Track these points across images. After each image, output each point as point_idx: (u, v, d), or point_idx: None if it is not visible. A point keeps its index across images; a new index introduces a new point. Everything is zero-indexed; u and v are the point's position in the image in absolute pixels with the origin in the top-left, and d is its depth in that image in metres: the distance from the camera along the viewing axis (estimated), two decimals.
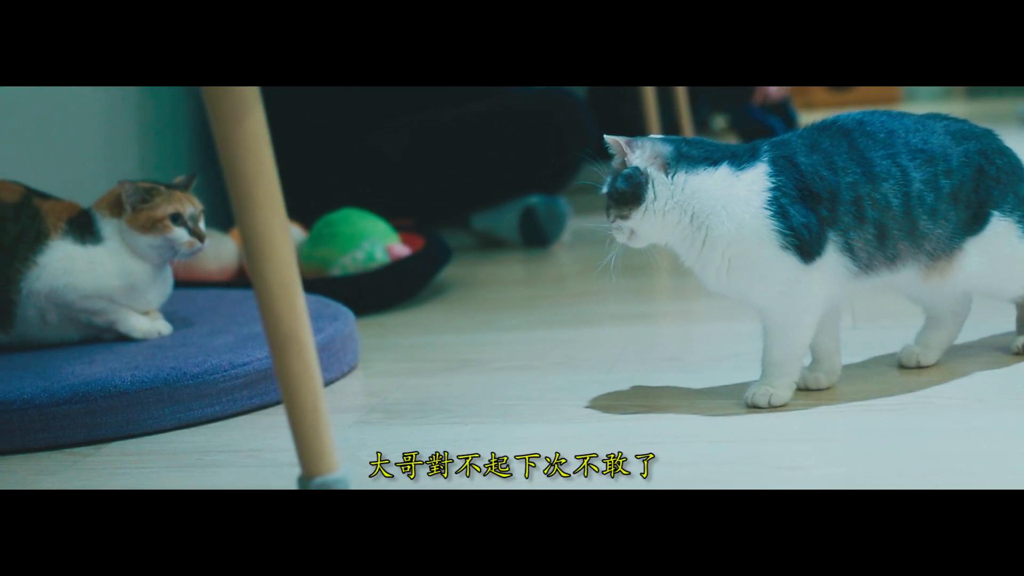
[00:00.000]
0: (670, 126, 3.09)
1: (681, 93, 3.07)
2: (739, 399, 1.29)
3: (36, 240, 1.51)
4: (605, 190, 1.29)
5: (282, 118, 2.23)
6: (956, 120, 1.31)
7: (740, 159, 1.26)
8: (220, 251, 2.05)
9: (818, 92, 6.72)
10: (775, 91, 3.29)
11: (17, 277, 1.50)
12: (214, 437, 1.35)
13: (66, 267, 1.51)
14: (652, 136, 1.31)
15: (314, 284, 1.89)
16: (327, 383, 1.50)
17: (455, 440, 1.26)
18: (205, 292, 1.84)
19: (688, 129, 3.10)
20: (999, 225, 1.28)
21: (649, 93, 2.94)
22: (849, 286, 1.27)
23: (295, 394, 1.01)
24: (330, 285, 1.92)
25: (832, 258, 1.24)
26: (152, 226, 1.51)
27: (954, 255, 1.28)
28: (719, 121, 4.53)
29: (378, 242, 2.04)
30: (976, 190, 1.27)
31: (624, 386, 1.40)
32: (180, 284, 1.68)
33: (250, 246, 1.00)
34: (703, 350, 1.58)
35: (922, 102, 6.85)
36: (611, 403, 1.34)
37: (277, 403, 1.43)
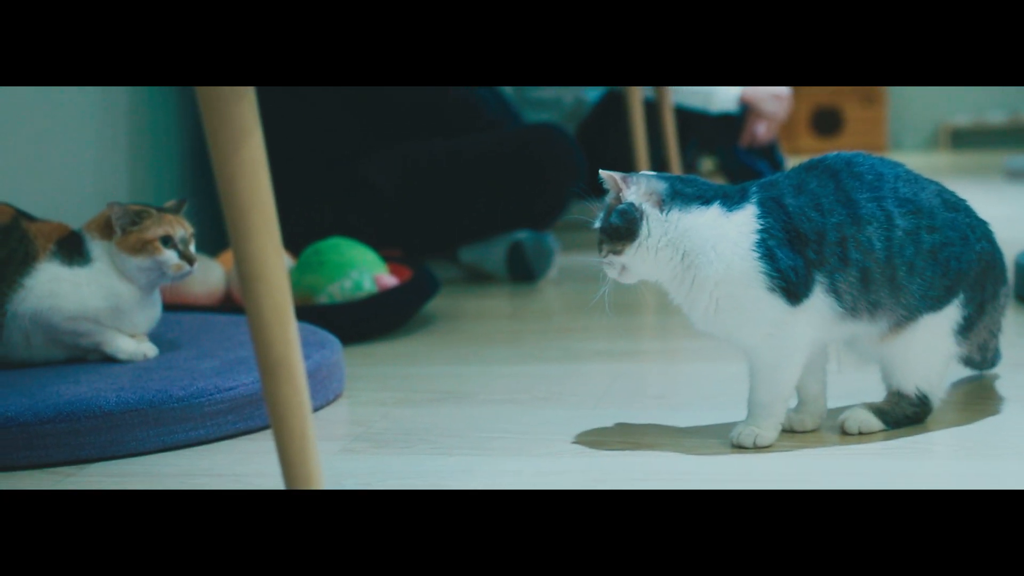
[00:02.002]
0: (659, 167, 3.11)
1: (670, 134, 3.09)
2: (724, 439, 1.29)
3: (24, 262, 1.50)
4: (598, 225, 1.29)
5: (277, 146, 2.26)
6: (954, 193, 1.30)
7: (731, 199, 1.26)
8: (208, 275, 2.05)
9: (805, 137, 6.79)
10: (762, 134, 3.32)
11: (3, 300, 1.49)
12: (198, 461, 1.34)
13: (51, 289, 1.50)
14: (646, 172, 1.31)
15: (301, 312, 1.88)
16: (312, 410, 1.50)
17: (440, 471, 1.26)
18: (192, 316, 1.84)
19: (677, 170, 3.12)
20: (953, 308, 1.27)
21: (639, 132, 2.96)
22: (835, 329, 1.27)
23: (283, 419, 1.01)
24: (317, 313, 1.92)
25: (819, 300, 1.24)
26: (142, 248, 1.51)
27: (911, 322, 1.27)
28: (707, 163, 4.56)
29: (366, 272, 2.04)
30: (959, 259, 1.26)
31: (610, 423, 1.40)
32: (167, 308, 1.68)
33: (244, 270, 1.00)
34: (689, 389, 1.58)
35: (907, 152, 6.91)
36: (596, 439, 1.34)
37: (262, 428, 1.42)
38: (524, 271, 2.58)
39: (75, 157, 2.25)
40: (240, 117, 0.98)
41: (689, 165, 3.54)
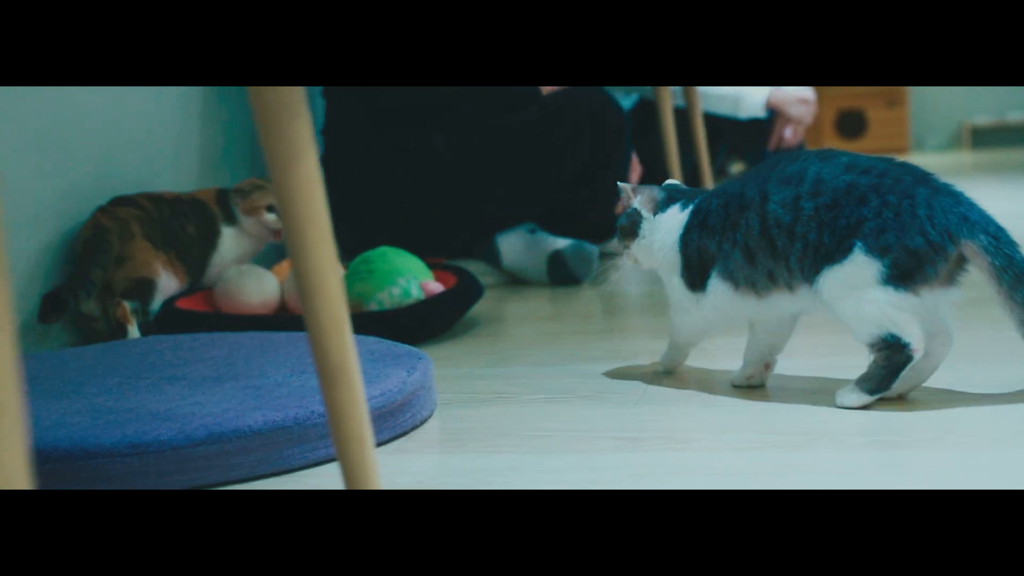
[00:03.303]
0: (690, 171, 3.17)
1: (701, 139, 3.15)
2: (763, 433, 1.35)
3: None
4: (618, 223, 1.63)
5: (353, 109, 2.52)
6: (876, 159, 1.41)
7: (686, 201, 1.57)
8: (263, 286, 2.13)
9: (830, 140, 6.82)
10: (789, 137, 3.37)
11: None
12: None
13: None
14: (665, 184, 1.64)
15: (351, 319, 1.94)
16: (423, 421, 1.54)
17: (489, 468, 1.32)
18: (247, 336, 1.82)
19: (707, 174, 3.18)
20: (859, 259, 1.36)
21: (671, 139, 3.02)
22: (750, 307, 1.49)
23: (342, 422, 1.06)
24: (367, 319, 1.99)
25: (716, 287, 1.50)
26: (252, 211, 2.29)
27: (820, 278, 1.40)
28: (737, 167, 4.60)
29: (413, 279, 2.11)
30: (848, 217, 1.37)
31: (650, 420, 1.47)
32: (226, 319, 1.74)
33: (302, 283, 1.06)
34: (726, 386, 1.63)
35: (929, 152, 6.92)
36: (638, 435, 1.40)
37: (389, 440, 1.47)
38: (566, 280, 2.65)
39: (155, 147, 2.50)
40: (296, 136, 1.03)
41: (720, 169, 3.59)
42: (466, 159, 2.67)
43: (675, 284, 1.57)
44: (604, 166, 2.71)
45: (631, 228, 1.60)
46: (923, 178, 1.38)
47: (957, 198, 1.37)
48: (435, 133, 2.68)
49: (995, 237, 1.34)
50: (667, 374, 1.70)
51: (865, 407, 1.42)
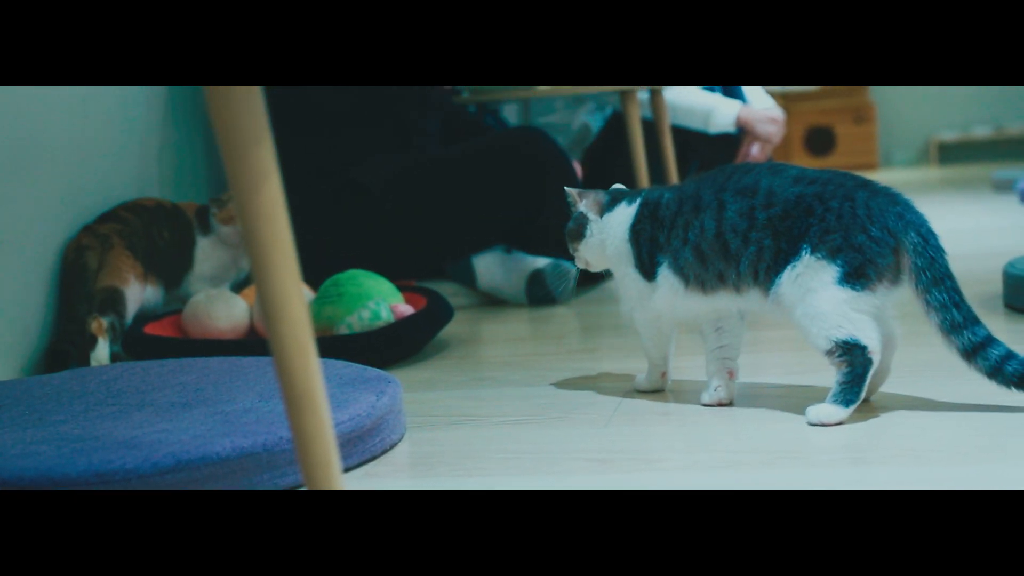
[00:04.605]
0: (661, 184, 3.17)
1: (668, 151, 3.16)
2: (734, 452, 1.35)
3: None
4: (566, 228, 1.69)
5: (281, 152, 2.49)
6: (822, 171, 1.47)
7: (632, 198, 1.62)
8: (232, 310, 2.12)
9: (799, 157, 6.87)
10: (757, 155, 3.39)
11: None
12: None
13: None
14: (610, 188, 1.68)
15: (322, 342, 1.95)
16: (392, 445, 1.53)
17: None
18: (216, 361, 1.81)
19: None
20: (808, 260, 1.42)
21: (639, 151, 3.03)
22: (692, 301, 1.54)
23: (309, 448, 1.06)
24: (337, 343, 1.99)
25: (667, 278, 1.55)
26: (228, 220, 2.36)
27: (776, 284, 1.45)
28: None
29: (383, 302, 2.11)
30: (799, 226, 1.43)
31: (620, 439, 1.46)
32: (195, 344, 1.73)
33: (268, 309, 1.05)
34: (695, 405, 1.63)
35: (897, 167, 6.99)
36: (608, 456, 1.40)
37: (357, 465, 1.46)
38: (545, 298, 2.65)
39: (118, 151, 2.53)
40: (259, 161, 1.03)
41: None
42: (395, 191, 2.67)
43: (630, 277, 1.62)
44: (542, 202, 2.69)
45: (578, 231, 1.66)
46: (863, 184, 1.44)
47: (894, 199, 1.43)
48: (360, 172, 2.68)
49: (924, 238, 1.40)
50: (650, 392, 1.71)
51: (840, 423, 1.42)
